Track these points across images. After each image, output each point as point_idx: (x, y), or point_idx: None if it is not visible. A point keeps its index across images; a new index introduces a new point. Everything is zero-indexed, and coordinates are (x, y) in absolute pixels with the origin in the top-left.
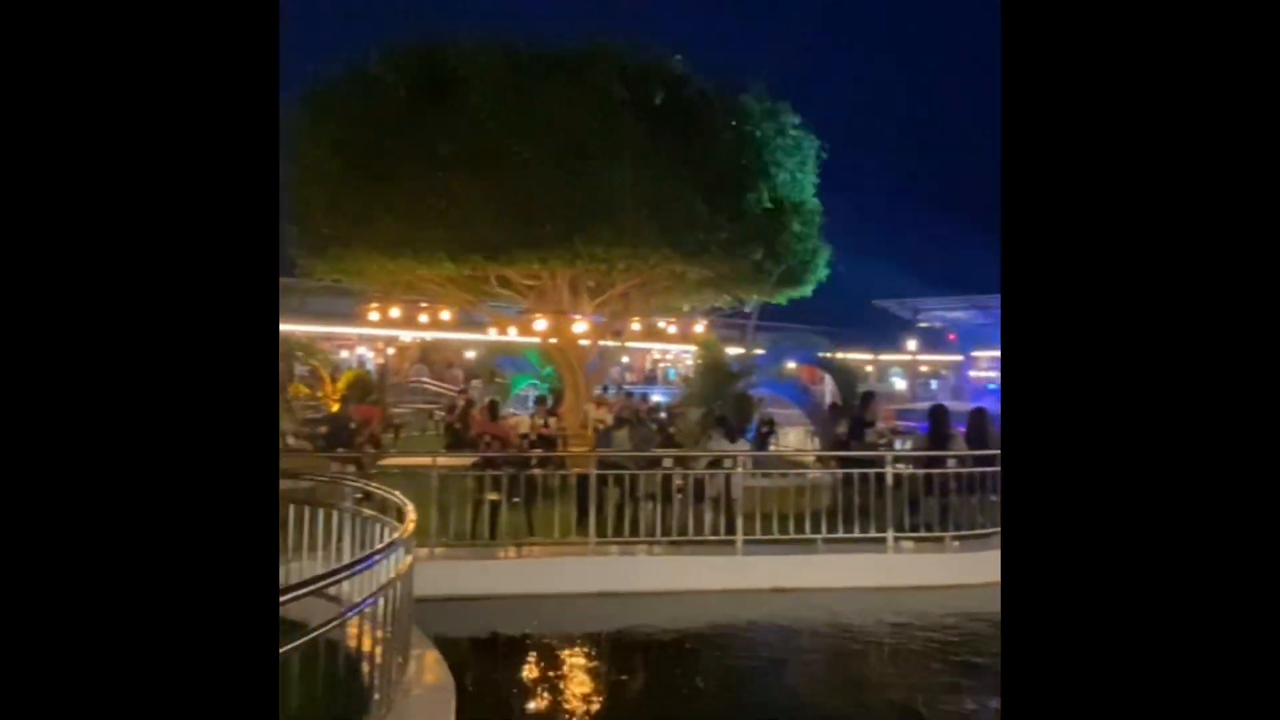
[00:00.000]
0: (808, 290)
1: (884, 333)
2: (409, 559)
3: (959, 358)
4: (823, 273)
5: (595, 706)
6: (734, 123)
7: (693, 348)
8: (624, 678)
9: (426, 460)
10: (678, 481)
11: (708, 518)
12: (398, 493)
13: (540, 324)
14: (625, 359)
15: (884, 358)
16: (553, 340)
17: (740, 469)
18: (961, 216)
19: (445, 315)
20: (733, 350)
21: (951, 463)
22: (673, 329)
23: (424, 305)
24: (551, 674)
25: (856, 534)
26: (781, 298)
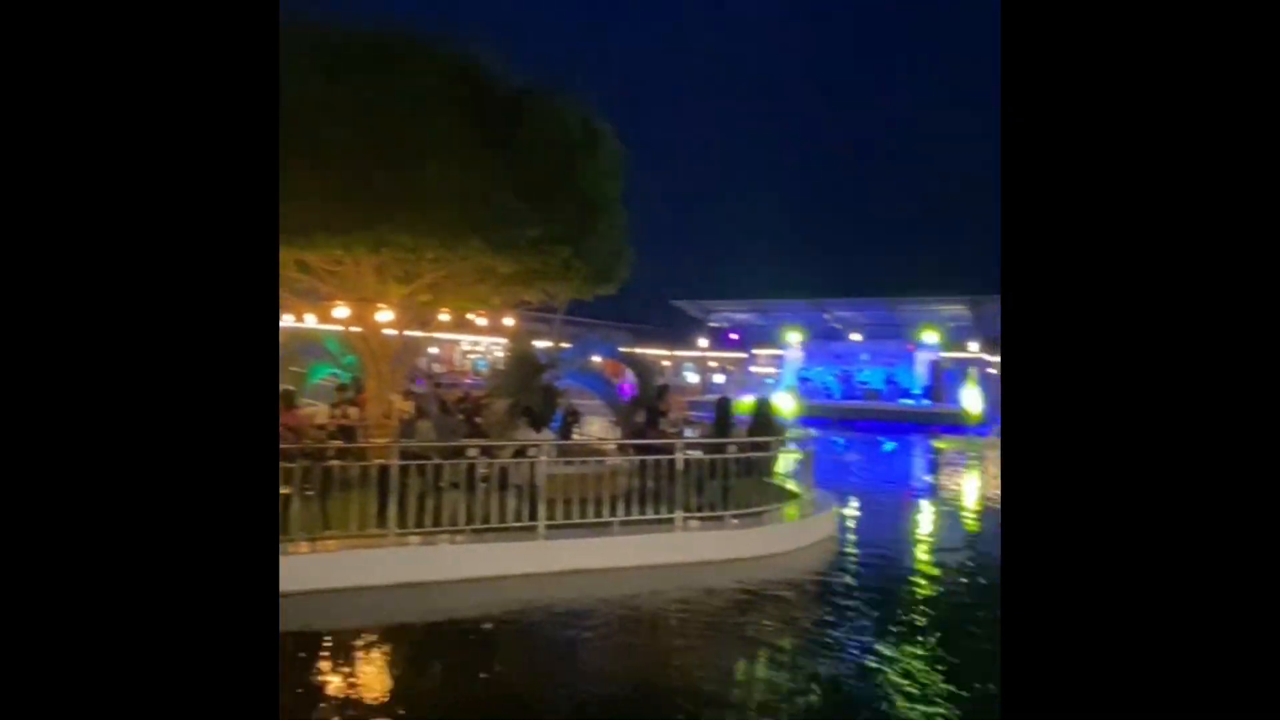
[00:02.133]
0: (612, 288)
1: (680, 331)
2: None
3: (743, 355)
4: (626, 272)
5: (390, 697)
6: (546, 123)
7: (502, 340)
8: (421, 665)
9: None
10: (482, 470)
11: (511, 505)
12: None
13: (341, 311)
14: (434, 349)
15: (679, 353)
16: (355, 328)
17: (544, 457)
18: (755, 223)
19: None
20: (541, 343)
21: (732, 449)
22: (483, 321)
23: None
24: (342, 668)
25: (649, 515)
26: (588, 294)
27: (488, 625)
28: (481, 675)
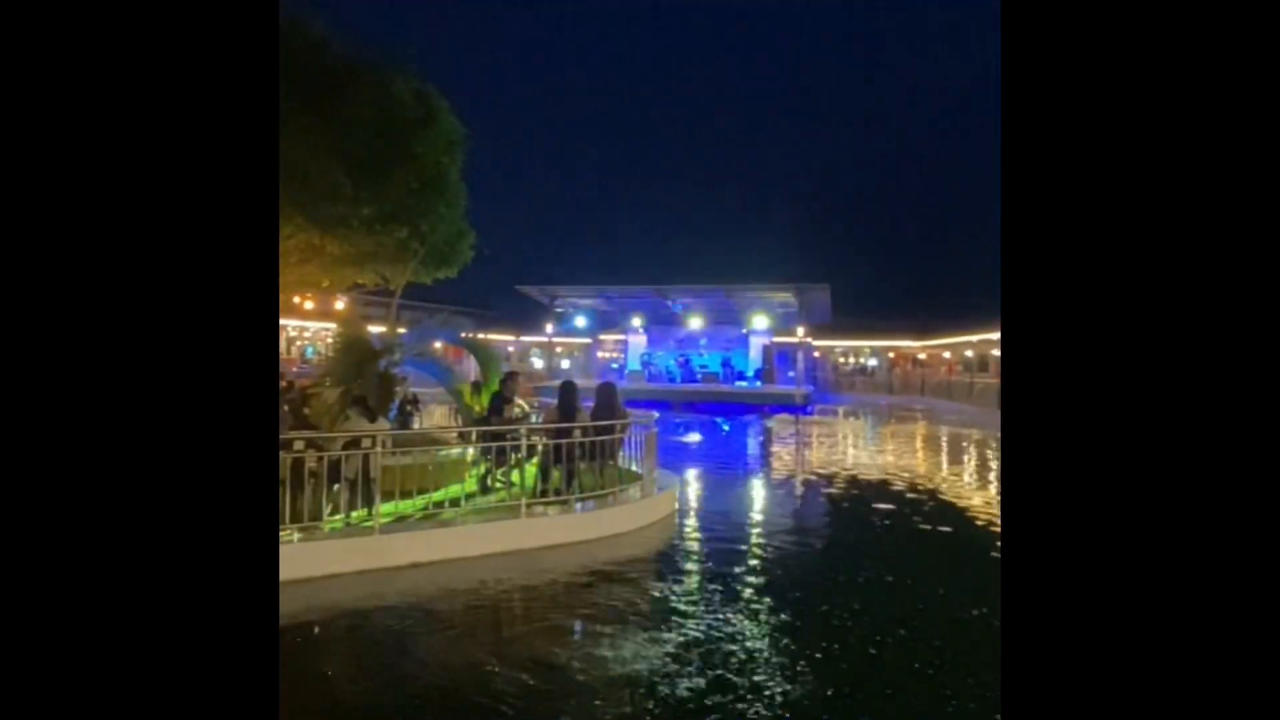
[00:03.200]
0: (453, 271)
1: (525, 315)
2: None
3: (588, 340)
4: (468, 255)
5: None
6: (375, 96)
7: (333, 325)
8: None
9: None
10: (311, 464)
11: (344, 499)
12: None
13: None
14: None
15: (525, 339)
16: None
17: (379, 448)
18: (603, 209)
19: None
20: (376, 329)
21: (577, 433)
22: (311, 305)
23: None
24: None
25: (493, 503)
26: (427, 278)
27: (316, 628)
28: (307, 681)
